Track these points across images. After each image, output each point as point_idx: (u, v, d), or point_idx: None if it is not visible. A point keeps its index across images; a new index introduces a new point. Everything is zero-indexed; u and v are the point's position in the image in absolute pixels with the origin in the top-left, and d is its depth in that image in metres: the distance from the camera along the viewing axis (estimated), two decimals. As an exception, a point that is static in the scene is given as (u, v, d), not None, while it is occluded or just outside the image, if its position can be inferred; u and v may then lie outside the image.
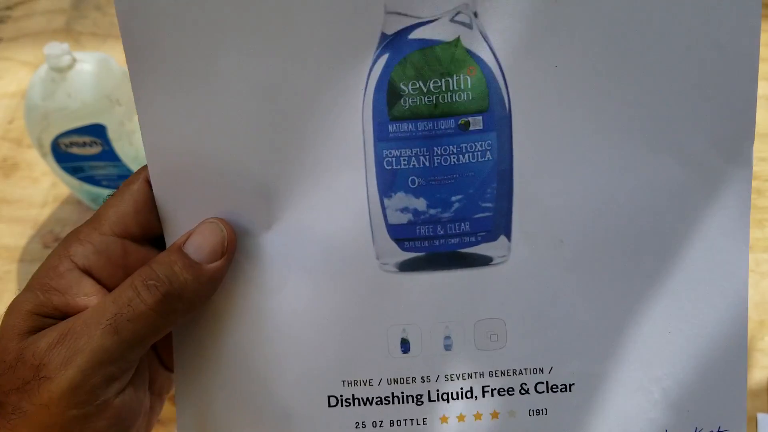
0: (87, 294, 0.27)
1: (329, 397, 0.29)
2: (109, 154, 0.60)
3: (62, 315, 0.26)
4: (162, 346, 0.30)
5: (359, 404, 0.29)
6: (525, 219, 0.28)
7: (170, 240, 0.29)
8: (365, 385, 0.29)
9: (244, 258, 0.29)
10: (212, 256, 0.27)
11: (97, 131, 0.58)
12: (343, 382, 0.29)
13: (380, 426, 0.29)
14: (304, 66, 0.27)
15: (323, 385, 0.29)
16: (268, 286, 0.29)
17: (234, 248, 0.28)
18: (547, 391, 0.29)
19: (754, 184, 0.72)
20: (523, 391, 0.29)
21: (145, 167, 0.29)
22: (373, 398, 0.29)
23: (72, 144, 0.59)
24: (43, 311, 0.26)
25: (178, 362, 0.30)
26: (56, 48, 0.54)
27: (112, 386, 0.26)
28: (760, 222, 0.69)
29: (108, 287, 0.27)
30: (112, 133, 0.59)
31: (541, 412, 0.29)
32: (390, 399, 0.29)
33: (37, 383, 0.24)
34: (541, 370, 0.29)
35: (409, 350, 0.29)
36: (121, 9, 0.26)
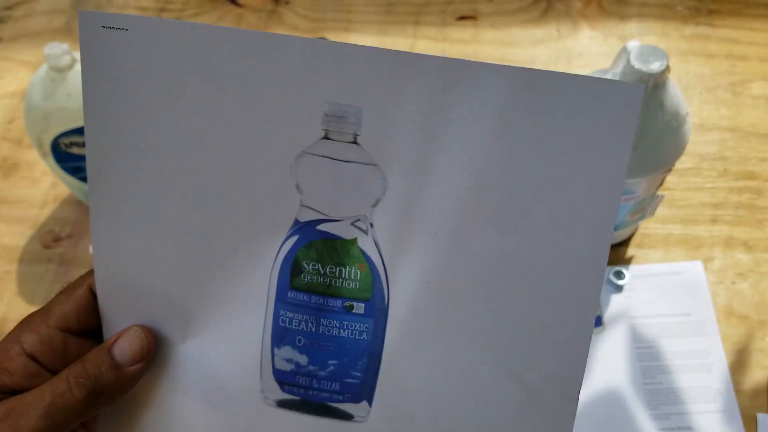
0: (31, 376, 0.33)
1: None
2: None
3: (10, 391, 0.33)
4: (88, 420, 0.36)
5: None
6: (385, 393, 0.33)
7: (107, 335, 0.35)
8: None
9: (161, 360, 0.35)
10: (133, 359, 0.34)
11: None
12: None
13: None
14: (230, 227, 0.33)
15: None
16: (175, 387, 0.35)
17: (153, 354, 0.35)
18: None
19: (754, 184, 0.74)
20: None
21: (89, 273, 0.35)
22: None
23: (72, 144, 0.59)
24: None
25: None
26: (56, 48, 0.54)
27: None
28: (760, 222, 0.71)
29: (50, 371, 0.34)
30: None
31: None
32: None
33: None
34: None
35: (272, 472, 0.35)
36: (91, 159, 0.32)
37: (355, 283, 0.33)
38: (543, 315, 0.31)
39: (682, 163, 0.74)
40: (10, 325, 0.64)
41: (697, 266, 0.68)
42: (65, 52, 0.55)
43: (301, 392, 0.34)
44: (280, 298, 0.33)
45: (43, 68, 0.57)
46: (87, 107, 0.31)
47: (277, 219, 0.32)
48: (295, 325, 0.33)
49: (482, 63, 0.29)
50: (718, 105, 0.79)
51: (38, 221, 0.69)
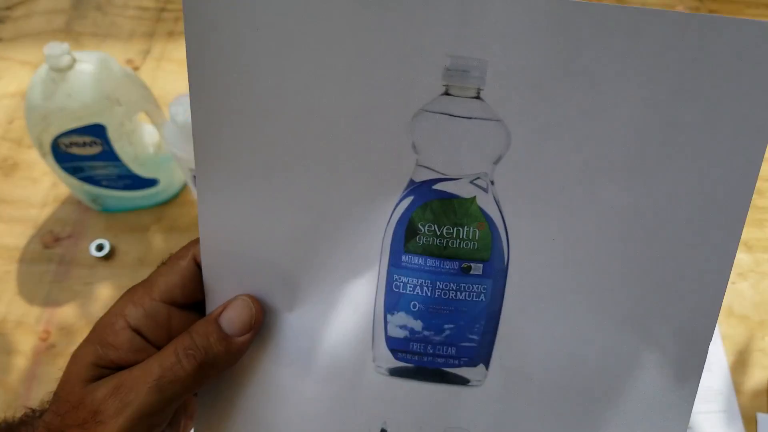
0: (137, 350, 0.32)
1: None
2: (108, 154, 0.60)
3: (117, 367, 0.32)
4: (187, 399, 0.35)
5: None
6: (503, 354, 0.33)
7: (211, 307, 0.34)
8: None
9: (266, 332, 0.34)
10: (242, 329, 0.33)
11: (97, 131, 0.58)
12: None
13: None
14: (340, 191, 0.32)
15: None
16: (280, 359, 0.34)
17: (260, 324, 0.34)
18: None
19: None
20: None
21: (192, 243, 0.34)
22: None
23: (72, 144, 0.59)
24: (101, 363, 0.31)
25: (200, 413, 0.35)
26: (56, 48, 0.54)
27: None
28: (761, 222, 0.71)
29: (155, 345, 0.33)
30: (111, 133, 0.58)
31: None
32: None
33: (94, 425, 0.30)
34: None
35: (385, 442, 0.34)
36: (196, 122, 0.31)
37: (474, 244, 0.32)
38: (676, 269, 0.31)
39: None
40: (10, 327, 0.63)
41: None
42: (65, 52, 0.55)
43: (415, 359, 0.33)
44: (394, 263, 0.32)
45: (43, 68, 0.56)
46: (191, 67, 0.30)
47: (390, 180, 0.31)
48: (409, 290, 0.33)
49: (628, 7, 0.28)
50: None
51: (38, 221, 0.69)
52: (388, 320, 0.33)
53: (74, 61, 0.55)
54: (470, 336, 0.33)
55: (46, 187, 0.71)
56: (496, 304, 0.32)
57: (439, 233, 0.32)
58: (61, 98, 0.56)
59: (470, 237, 0.32)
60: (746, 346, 0.64)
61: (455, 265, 0.32)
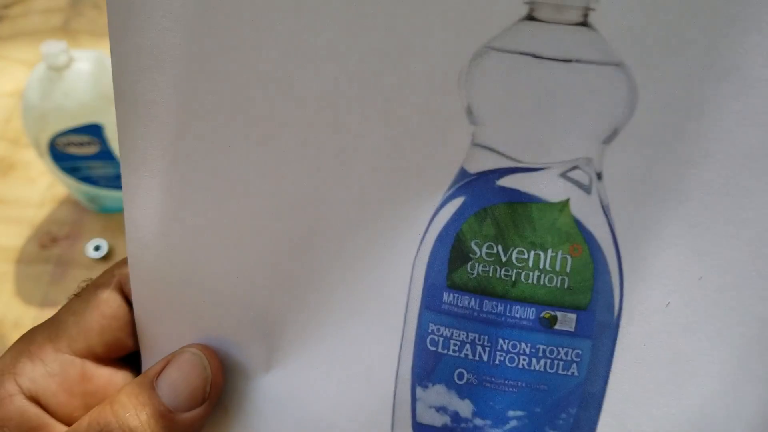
0: (32, 428, 0.21)
1: None
2: (106, 154, 0.60)
3: None
4: None
5: None
6: (607, 467, 0.20)
7: (146, 364, 0.22)
8: None
9: (230, 403, 0.22)
10: (190, 401, 0.21)
11: (95, 131, 0.57)
12: None
13: None
14: (347, 187, 0.20)
15: None
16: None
17: (219, 393, 0.22)
18: None
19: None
20: None
21: (117, 265, 0.22)
22: None
23: (69, 144, 0.58)
24: None
25: None
26: (53, 46, 0.54)
27: None
28: None
29: (61, 419, 0.21)
30: (109, 133, 0.58)
31: None
32: None
33: None
34: None
35: None
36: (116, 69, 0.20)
37: (563, 279, 0.19)
38: None
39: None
40: (8, 328, 0.62)
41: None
42: (62, 50, 0.54)
43: (459, 463, 0.20)
44: (430, 304, 0.20)
45: (41, 67, 0.56)
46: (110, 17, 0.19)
47: (427, 170, 0.19)
48: (453, 350, 0.20)
49: None
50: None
51: (35, 221, 0.68)
52: (417, 397, 0.20)
53: (71, 59, 0.55)
54: (552, 432, 0.20)
55: (43, 187, 0.71)
56: (597, 383, 0.19)
57: (504, 259, 0.19)
58: (59, 97, 0.55)
59: (558, 268, 0.19)
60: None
61: (531, 312, 0.19)
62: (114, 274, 0.22)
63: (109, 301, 0.22)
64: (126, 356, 0.23)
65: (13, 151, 0.74)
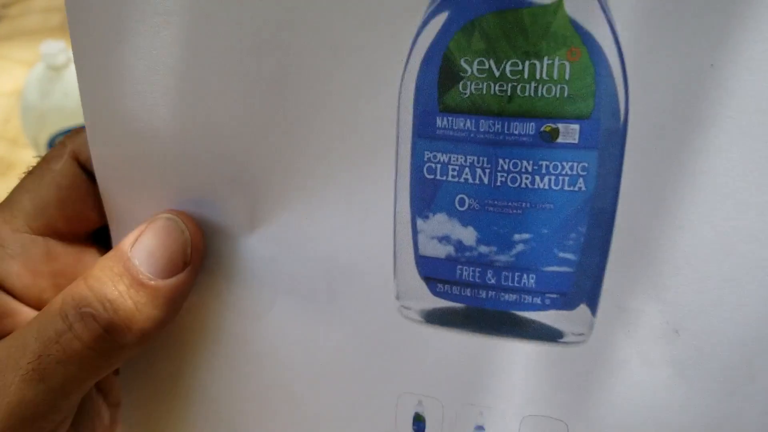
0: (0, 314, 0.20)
1: None
2: None
3: None
4: (105, 380, 0.23)
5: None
6: (624, 287, 0.19)
7: (117, 236, 0.22)
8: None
9: (216, 268, 0.22)
10: (171, 267, 0.20)
11: None
12: None
13: None
14: (320, 13, 0.19)
15: None
16: (246, 309, 0.21)
17: (202, 256, 0.21)
18: None
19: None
20: None
21: (70, 136, 0.21)
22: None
23: None
24: None
25: (127, 403, 0.23)
26: (52, 46, 0.55)
27: None
28: None
29: (29, 304, 0.21)
30: None
31: None
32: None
33: None
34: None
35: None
36: None
37: (562, 88, 0.18)
38: None
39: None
40: None
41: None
42: (61, 50, 0.55)
43: (466, 295, 0.20)
44: (423, 131, 0.19)
45: (40, 67, 0.57)
46: None
47: None
48: (452, 176, 0.19)
49: None
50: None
51: None
52: (418, 229, 0.20)
53: (70, 59, 0.53)
54: (562, 255, 0.19)
55: (42, 186, 0.73)
56: (607, 197, 0.18)
57: (498, 74, 0.18)
58: (58, 97, 0.56)
59: (556, 76, 0.18)
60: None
61: (530, 127, 0.18)
62: (66, 144, 0.21)
63: (63, 171, 0.21)
64: (95, 235, 0.22)
65: (12, 151, 0.73)
